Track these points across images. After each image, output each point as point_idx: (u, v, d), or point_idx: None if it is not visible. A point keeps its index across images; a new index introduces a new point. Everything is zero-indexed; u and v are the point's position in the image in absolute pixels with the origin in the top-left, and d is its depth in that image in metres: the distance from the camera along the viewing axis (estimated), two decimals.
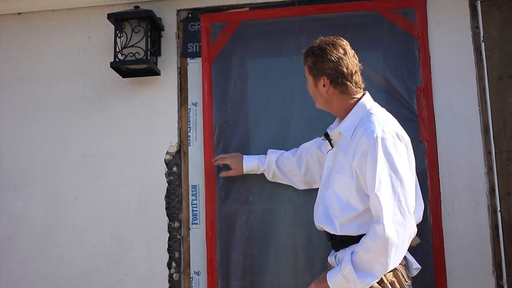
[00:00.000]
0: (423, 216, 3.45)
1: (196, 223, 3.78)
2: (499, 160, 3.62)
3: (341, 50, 2.90)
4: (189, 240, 3.78)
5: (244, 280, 3.67)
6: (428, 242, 3.52)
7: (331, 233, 2.91)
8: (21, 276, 3.89)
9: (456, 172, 3.61)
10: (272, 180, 3.61)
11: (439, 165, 3.60)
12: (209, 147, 3.78)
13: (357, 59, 2.97)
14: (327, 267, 3.07)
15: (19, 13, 4.18)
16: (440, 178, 3.59)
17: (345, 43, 2.95)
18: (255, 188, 3.73)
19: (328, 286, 2.76)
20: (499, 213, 3.57)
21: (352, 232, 2.81)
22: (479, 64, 3.72)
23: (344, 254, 2.80)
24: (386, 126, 2.78)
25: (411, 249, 2.86)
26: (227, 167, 3.67)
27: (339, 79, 2.88)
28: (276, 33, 3.87)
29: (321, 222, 2.97)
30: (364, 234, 2.72)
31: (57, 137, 3.99)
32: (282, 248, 3.63)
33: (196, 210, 3.79)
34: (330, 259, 3.01)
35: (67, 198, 3.91)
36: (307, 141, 3.51)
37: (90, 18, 4.09)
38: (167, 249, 3.77)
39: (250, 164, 3.59)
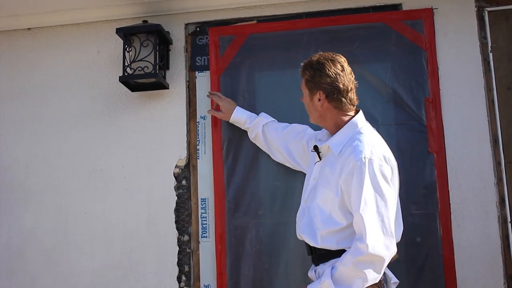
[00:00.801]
0: (432, 227, 3.50)
1: (206, 237, 3.78)
2: (508, 171, 3.61)
3: (339, 67, 2.93)
4: (198, 253, 3.78)
5: None
6: (438, 253, 3.51)
7: (312, 245, 2.92)
8: None
9: (465, 183, 3.60)
10: (253, 141, 3.67)
11: (448, 176, 3.59)
12: (218, 161, 3.79)
13: (354, 76, 2.99)
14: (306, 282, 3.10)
15: (28, 29, 4.21)
16: (449, 189, 3.58)
17: (343, 59, 2.98)
18: (265, 201, 3.73)
19: None
20: (509, 224, 3.56)
21: (332, 246, 2.82)
22: (487, 74, 3.71)
23: (324, 268, 2.81)
24: (375, 147, 2.79)
25: (391, 264, 2.84)
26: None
27: (334, 94, 2.90)
28: (284, 45, 3.87)
29: (303, 232, 2.97)
30: (342, 249, 2.77)
31: (66, 151, 4.00)
32: (292, 262, 3.62)
33: (206, 224, 3.79)
34: (310, 274, 3.02)
35: (76, 212, 3.92)
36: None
37: (99, 32, 4.12)
38: (177, 262, 3.77)
39: (239, 116, 3.66)
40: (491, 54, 3.74)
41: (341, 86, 2.89)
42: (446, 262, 3.51)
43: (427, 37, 3.74)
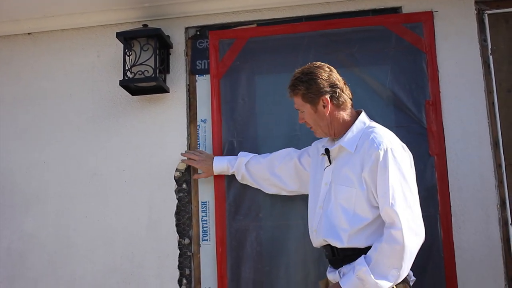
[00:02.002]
0: (433, 230, 3.50)
1: (207, 240, 3.78)
2: (509, 173, 3.61)
3: (327, 69, 3.01)
4: (199, 256, 3.78)
5: None
6: (439, 255, 3.51)
7: (338, 246, 2.90)
8: None
9: (466, 185, 3.60)
10: (242, 182, 3.66)
11: (449, 178, 3.59)
12: None
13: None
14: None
15: (29, 33, 4.22)
16: (450, 191, 3.58)
17: (324, 63, 3.06)
18: (265, 204, 3.73)
19: None
20: (510, 226, 3.56)
21: (361, 243, 2.82)
22: (487, 77, 3.72)
23: (351, 266, 2.80)
24: (392, 137, 2.88)
25: None
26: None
27: (336, 93, 2.95)
28: (284, 49, 3.88)
29: (327, 236, 2.94)
30: (370, 246, 2.76)
31: (67, 156, 4.01)
32: (293, 264, 3.63)
33: (206, 227, 3.79)
34: (332, 276, 2.99)
35: (78, 216, 3.92)
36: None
37: (99, 37, 4.12)
38: (178, 266, 3.77)
39: (219, 166, 3.66)
40: (491, 57, 3.75)
41: (338, 82, 2.97)
42: (447, 264, 3.50)
43: (427, 40, 3.74)
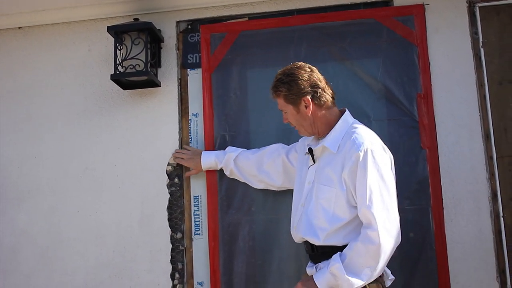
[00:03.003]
0: (425, 223, 3.52)
1: (199, 234, 3.78)
2: (500, 166, 3.62)
3: (307, 69, 3.01)
4: (192, 251, 3.78)
5: None
6: (432, 248, 3.52)
7: (316, 244, 2.93)
8: None
9: (457, 178, 3.61)
10: (230, 177, 3.68)
11: (440, 171, 3.60)
12: None
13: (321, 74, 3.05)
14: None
15: (19, 28, 4.20)
16: (442, 184, 3.59)
17: (305, 63, 3.06)
18: (257, 198, 3.73)
19: (315, 284, 2.79)
20: (502, 219, 3.57)
21: (338, 242, 2.85)
22: (479, 70, 3.72)
23: (328, 262, 2.82)
24: (373, 138, 2.88)
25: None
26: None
27: (317, 93, 2.95)
28: (275, 42, 3.88)
29: (305, 235, 2.98)
30: (347, 244, 2.79)
31: (59, 151, 4.00)
32: (285, 258, 3.63)
33: (199, 221, 3.79)
34: (310, 270, 3.03)
35: (70, 211, 3.91)
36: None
37: (90, 31, 4.11)
38: (170, 260, 3.77)
39: (207, 162, 3.68)
40: (482, 50, 3.75)
41: (319, 82, 2.98)
42: (439, 257, 3.51)
43: (419, 33, 3.75)
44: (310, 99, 2.95)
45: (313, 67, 3.04)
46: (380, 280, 2.83)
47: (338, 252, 2.79)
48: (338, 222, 2.84)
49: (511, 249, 3.54)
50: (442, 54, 3.75)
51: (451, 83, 3.71)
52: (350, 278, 2.68)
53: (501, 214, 3.57)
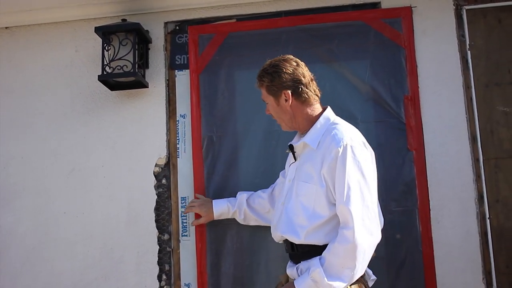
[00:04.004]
0: (412, 224, 3.52)
1: (186, 235, 3.78)
2: (487, 168, 3.64)
3: (294, 63, 2.97)
4: (179, 252, 3.78)
5: None
6: (418, 250, 3.53)
7: (296, 242, 2.89)
8: None
9: (444, 180, 3.63)
10: (243, 223, 3.59)
11: (427, 173, 3.62)
12: (198, 159, 3.79)
13: (308, 70, 3.02)
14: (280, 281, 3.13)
15: (6, 27, 4.18)
16: (428, 186, 3.61)
17: (294, 57, 3.03)
18: None
19: None
20: (488, 220, 3.59)
21: (319, 241, 2.80)
22: (465, 72, 3.74)
23: (308, 264, 2.78)
24: (354, 134, 2.83)
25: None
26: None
27: (299, 88, 2.92)
28: (263, 44, 3.88)
29: (284, 232, 2.93)
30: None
31: (45, 151, 3.98)
32: (273, 259, 3.63)
33: (186, 222, 3.79)
34: (290, 271, 2.98)
35: (56, 212, 3.90)
36: None
37: (77, 31, 4.09)
38: (157, 261, 3.77)
39: (220, 208, 3.58)
40: (469, 52, 3.77)
41: (302, 78, 2.94)
42: (425, 259, 3.53)
43: (406, 35, 3.76)
44: (290, 93, 2.93)
45: (301, 62, 3.01)
46: (361, 280, 2.79)
47: (318, 257, 2.73)
48: (318, 220, 2.79)
49: (497, 251, 3.56)
50: (429, 57, 3.76)
51: (438, 85, 3.72)
52: (331, 282, 2.63)
53: (487, 216, 3.59)
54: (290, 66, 2.94)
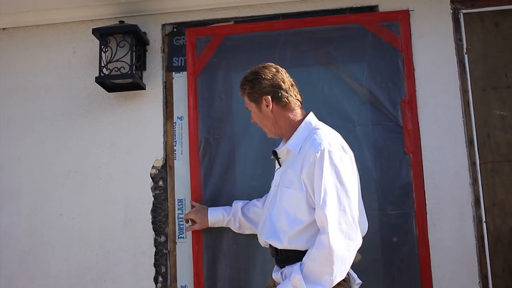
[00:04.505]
0: (408, 227, 3.51)
1: (183, 237, 3.78)
2: (483, 171, 3.65)
3: (273, 69, 3.01)
4: (175, 254, 3.77)
5: None
6: (414, 253, 3.53)
7: (279, 248, 2.89)
8: None
9: (441, 183, 3.63)
10: (238, 231, 3.59)
11: (424, 176, 3.62)
12: (195, 161, 3.78)
13: (289, 76, 3.04)
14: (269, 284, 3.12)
15: (3, 29, 4.17)
16: (425, 189, 3.61)
17: (275, 64, 3.06)
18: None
19: None
20: (484, 224, 3.59)
21: (301, 246, 2.79)
22: (462, 76, 3.75)
23: (292, 269, 2.77)
24: (332, 139, 2.82)
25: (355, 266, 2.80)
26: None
27: (278, 93, 2.95)
28: (261, 46, 3.88)
29: (268, 238, 2.95)
30: None
31: (42, 152, 3.97)
32: (269, 261, 3.61)
33: (182, 224, 3.78)
34: (276, 275, 2.98)
35: (52, 214, 3.89)
36: None
37: (75, 33, 4.09)
38: (154, 263, 3.76)
39: (215, 216, 3.59)
40: (466, 56, 3.78)
41: (282, 83, 2.97)
42: (422, 262, 3.53)
43: (403, 38, 3.77)
44: (270, 98, 2.95)
45: (281, 68, 3.03)
46: (343, 284, 2.76)
47: (299, 263, 2.73)
48: (299, 225, 2.79)
49: (493, 255, 3.57)
50: (426, 60, 3.77)
51: (435, 88, 3.73)
52: None
53: (484, 219, 3.60)
54: (269, 72, 2.98)
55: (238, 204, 3.56)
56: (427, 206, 3.59)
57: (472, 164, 3.65)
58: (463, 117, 3.69)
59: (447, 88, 3.73)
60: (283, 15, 3.95)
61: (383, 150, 3.64)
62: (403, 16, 3.79)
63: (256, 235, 3.46)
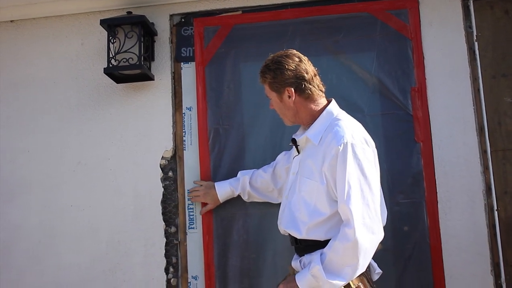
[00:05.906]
0: (419, 216, 3.50)
1: (193, 228, 3.77)
2: (494, 159, 3.63)
3: (296, 59, 2.93)
4: (186, 244, 3.77)
5: (242, 284, 3.67)
6: (426, 242, 3.53)
7: (297, 237, 2.90)
8: (19, 285, 3.87)
9: (452, 171, 3.61)
10: (248, 201, 3.63)
11: (435, 165, 3.60)
12: (204, 151, 3.78)
13: (311, 64, 2.98)
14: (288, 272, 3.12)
15: (11, 21, 4.17)
16: (436, 178, 3.60)
17: (297, 52, 2.99)
18: None
19: (297, 286, 2.76)
20: (496, 212, 3.57)
21: (320, 236, 2.80)
22: (472, 63, 3.72)
23: (311, 258, 2.79)
24: (355, 132, 2.80)
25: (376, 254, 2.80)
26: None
27: (302, 85, 2.89)
28: (269, 36, 3.87)
29: (287, 227, 2.95)
30: (330, 239, 2.73)
31: (52, 145, 3.98)
32: (280, 251, 3.62)
33: (193, 215, 3.78)
34: (295, 264, 2.99)
35: (63, 206, 3.90)
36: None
37: (82, 24, 4.09)
38: (164, 254, 3.76)
39: (224, 192, 3.62)
40: (476, 43, 3.75)
41: (305, 74, 2.90)
42: (433, 251, 3.52)
43: (413, 26, 3.75)
44: (293, 90, 2.90)
45: (304, 57, 2.97)
46: (363, 273, 2.77)
47: (320, 251, 2.73)
48: (319, 217, 2.79)
49: (505, 243, 3.55)
50: (436, 48, 3.75)
51: (445, 76, 3.71)
52: (330, 280, 2.62)
53: (495, 207, 3.58)
54: (292, 62, 2.91)
55: (245, 178, 3.58)
56: (438, 195, 3.58)
57: (483, 152, 3.63)
58: (473, 105, 3.67)
59: (457, 76, 3.71)
60: (291, 4, 3.92)
61: (393, 139, 3.63)
62: (412, 4, 3.77)
63: (267, 223, 3.48)
